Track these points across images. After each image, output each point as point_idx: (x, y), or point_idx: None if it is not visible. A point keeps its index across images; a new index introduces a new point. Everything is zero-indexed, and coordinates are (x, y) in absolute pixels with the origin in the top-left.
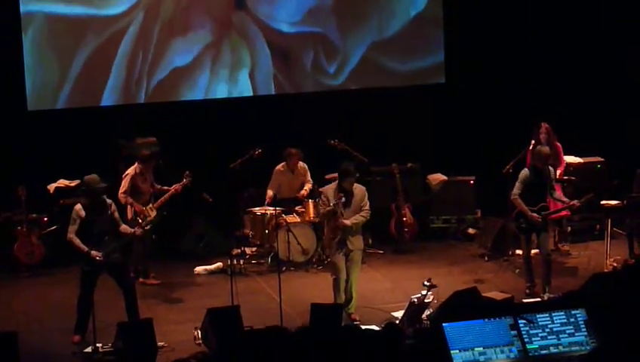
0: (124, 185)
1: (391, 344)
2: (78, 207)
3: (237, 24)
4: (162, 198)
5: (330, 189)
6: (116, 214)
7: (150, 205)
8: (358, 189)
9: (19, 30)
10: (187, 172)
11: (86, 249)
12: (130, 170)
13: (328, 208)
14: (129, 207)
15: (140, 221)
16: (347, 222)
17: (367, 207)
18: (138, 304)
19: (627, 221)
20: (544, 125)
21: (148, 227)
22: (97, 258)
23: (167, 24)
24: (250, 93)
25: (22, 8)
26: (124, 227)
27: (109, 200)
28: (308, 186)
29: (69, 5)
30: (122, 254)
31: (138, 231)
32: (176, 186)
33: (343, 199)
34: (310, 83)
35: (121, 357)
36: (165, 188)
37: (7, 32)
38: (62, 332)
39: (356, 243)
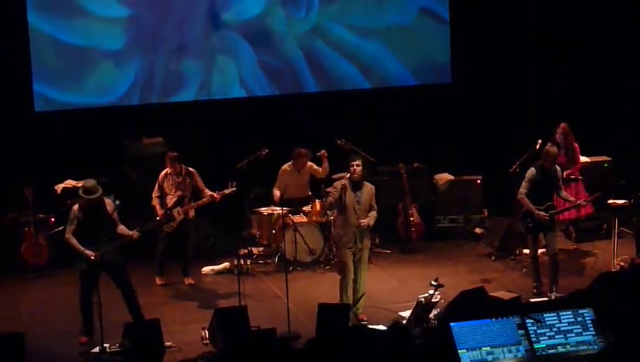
0: (155, 186)
1: (397, 343)
2: (76, 207)
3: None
4: (194, 204)
5: (339, 183)
6: (115, 215)
7: (178, 208)
8: (368, 188)
9: (26, 31)
10: (234, 182)
11: (81, 249)
12: (163, 172)
13: (338, 194)
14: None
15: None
16: (365, 221)
17: (376, 205)
18: (139, 303)
19: (634, 220)
20: (561, 125)
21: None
22: (92, 258)
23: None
24: (256, 94)
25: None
26: (121, 228)
27: (108, 201)
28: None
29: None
30: (120, 255)
31: (135, 234)
32: (215, 195)
33: (347, 180)
34: (318, 83)
35: (129, 357)
36: (210, 193)
37: (14, 33)
38: (68, 333)
39: (366, 242)
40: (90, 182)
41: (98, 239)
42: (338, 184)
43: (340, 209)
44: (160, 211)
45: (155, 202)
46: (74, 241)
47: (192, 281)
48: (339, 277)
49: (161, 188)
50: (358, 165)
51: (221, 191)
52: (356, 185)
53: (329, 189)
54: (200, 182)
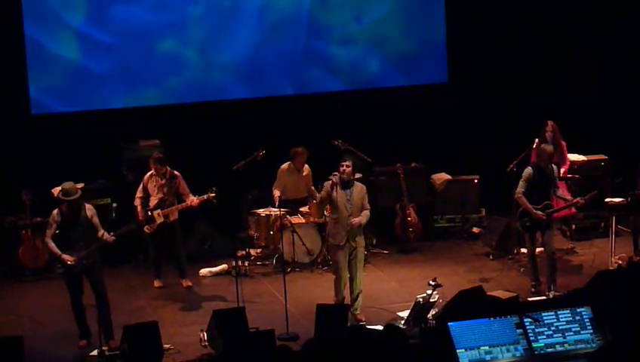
0: (140, 186)
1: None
2: (56, 211)
3: None
4: (174, 207)
5: (329, 183)
6: (95, 219)
7: (158, 210)
8: (359, 187)
9: (22, 34)
10: (214, 188)
11: (59, 253)
12: (148, 173)
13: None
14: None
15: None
16: (357, 220)
17: (368, 205)
18: (110, 311)
19: (631, 218)
20: (550, 123)
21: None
22: (69, 262)
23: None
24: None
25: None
26: (102, 233)
27: (88, 206)
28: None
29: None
30: (97, 258)
31: (110, 238)
32: (194, 200)
33: (337, 175)
34: (314, 84)
35: (127, 360)
36: (191, 198)
37: (10, 35)
38: (67, 336)
39: (360, 240)
40: (69, 184)
41: (75, 243)
42: (328, 183)
43: (332, 206)
44: (141, 212)
45: (137, 202)
46: (52, 245)
47: (189, 283)
48: (334, 275)
49: (145, 188)
50: (347, 165)
51: (200, 196)
52: (346, 185)
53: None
54: (183, 186)
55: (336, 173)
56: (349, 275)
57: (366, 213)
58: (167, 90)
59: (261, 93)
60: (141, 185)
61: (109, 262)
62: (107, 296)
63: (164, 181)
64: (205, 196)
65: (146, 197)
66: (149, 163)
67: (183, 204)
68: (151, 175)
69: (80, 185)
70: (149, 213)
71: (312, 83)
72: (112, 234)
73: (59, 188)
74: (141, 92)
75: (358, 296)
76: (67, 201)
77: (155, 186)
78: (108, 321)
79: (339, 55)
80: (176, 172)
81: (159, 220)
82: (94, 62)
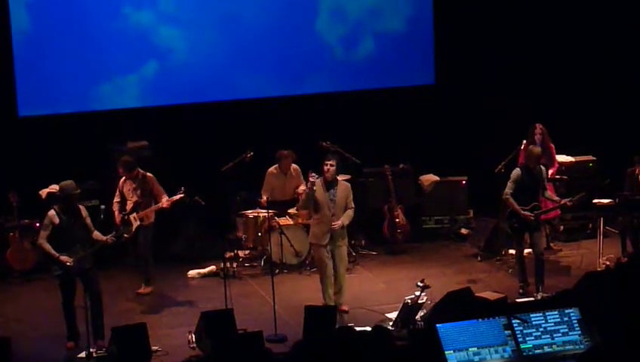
0: (116, 191)
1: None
2: (52, 213)
3: None
4: (147, 210)
5: (310, 182)
6: (88, 220)
7: (134, 214)
8: (343, 186)
9: (9, 36)
10: (182, 188)
11: (56, 254)
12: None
13: (306, 191)
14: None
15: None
16: (339, 223)
17: (352, 203)
18: (103, 313)
19: (619, 219)
20: (538, 126)
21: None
22: (67, 263)
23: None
24: (242, 96)
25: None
26: (96, 234)
27: (81, 206)
28: (302, 187)
29: None
30: (93, 261)
31: (110, 239)
32: (164, 202)
33: (317, 176)
34: (302, 85)
35: (116, 361)
36: (163, 200)
37: None
38: (55, 338)
39: (342, 239)
40: (67, 182)
41: (73, 244)
42: (310, 183)
43: (315, 207)
44: (117, 217)
45: (115, 207)
46: (48, 247)
47: (148, 290)
48: (319, 275)
49: (121, 193)
50: (331, 165)
51: (170, 198)
52: (330, 184)
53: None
54: (157, 188)
55: (313, 173)
56: (333, 272)
57: (348, 213)
58: (155, 92)
59: (249, 95)
60: (117, 190)
61: (98, 264)
62: (102, 298)
63: (136, 184)
64: (175, 197)
65: (123, 201)
66: (138, 164)
67: (155, 205)
68: (125, 179)
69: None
70: (125, 218)
71: (300, 84)
72: (111, 235)
73: (46, 189)
74: (128, 93)
75: (340, 289)
76: (67, 199)
77: (129, 190)
78: (100, 323)
79: (327, 56)
80: (149, 174)
81: (135, 224)
82: (82, 64)
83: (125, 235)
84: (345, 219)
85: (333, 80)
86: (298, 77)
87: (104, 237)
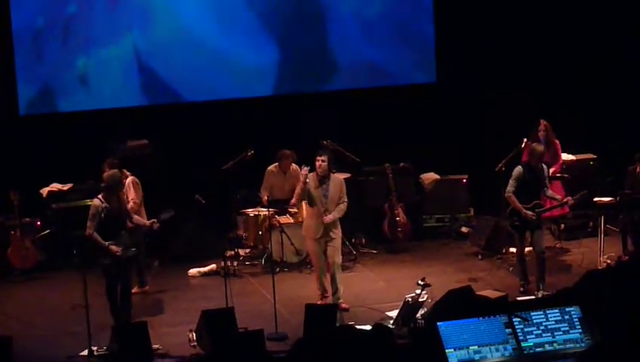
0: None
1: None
2: (97, 202)
3: None
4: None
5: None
6: (128, 206)
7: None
8: (337, 180)
9: (10, 33)
10: (154, 220)
11: (105, 244)
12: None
13: (300, 184)
14: None
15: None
16: (329, 217)
17: (345, 197)
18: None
19: (620, 218)
20: (542, 122)
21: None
22: (117, 253)
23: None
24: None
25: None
26: (137, 218)
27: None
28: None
29: None
30: (136, 249)
31: (155, 225)
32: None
33: (308, 169)
34: (302, 84)
35: (117, 360)
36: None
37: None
38: (56, 336)
39: (335, 231)
40: (112, 171)
41: (119, 233)
42: (303, 177)
43: (309, 201)
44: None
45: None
46: (97, 237)
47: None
48: (312, 268)
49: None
50: (323, 160)
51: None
52: (322, 180)
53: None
54: (129, 191)
55: (305, 167)
56: (326, 264)
57: (340, 208)
58: (155, 90)
59: (250, 93)
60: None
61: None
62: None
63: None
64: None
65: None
66: (138, 163)
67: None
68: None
69: (68, 186)
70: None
71: (302, 83)
72: (154, 221)
73: (47, 188)
74: (129, 92)
75: (337, 288)
76: (113, 188)
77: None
78: (129, 311)
79: (327, 55)
80: (128, 179)
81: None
82: (83, 62)
83: (165, 218)
84: (337, 213)
85: (333, 78)
86: (299, 75)
87: (147, 222)
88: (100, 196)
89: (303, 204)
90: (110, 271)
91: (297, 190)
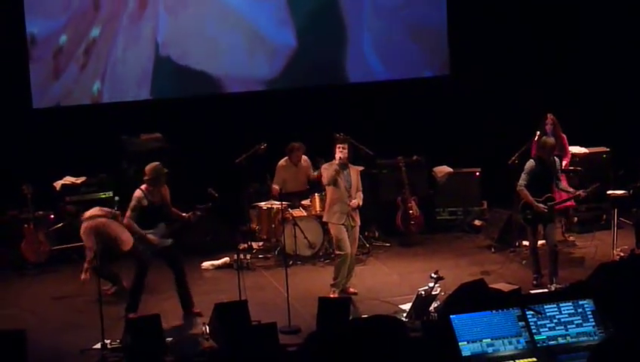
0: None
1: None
2: (139, 193)
3: None
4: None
5: (330, 164)
6: (168, 199)
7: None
8: (355, 169)
9: (23, 27)
10: (198, 212)
11: (143, 233)
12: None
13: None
14: None
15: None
16: (355, 202)
17: (361, 186)
18: (189, 287)
19: (633, 210)
20: (550, 116)
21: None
22: (155, 243)
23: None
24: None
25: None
26: (175, 211)
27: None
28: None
29: None
30: (175, 238)
31: (193, 217)
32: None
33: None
34: (316, 77)
35: (130, 353)
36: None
37: (13, 29)
38: (70, 330)
39: (357, 219)
40: (155, 163)
41: (158, 223)
42: (328, 165)
43: (334, 188)
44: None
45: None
46: (136, 226)
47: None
48: (338, 253)
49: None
50: (344, 148)
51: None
52: (343, 167)
53: (324, 166)
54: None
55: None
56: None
57: (360, 195)
58: (168, 84)
59: (262, 87)
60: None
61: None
62: (186, 276)
63: None
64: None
65: None
66: (151, 157)
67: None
68: None
69: (82, 179)
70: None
71: (313, 76)
72: (194, 212)
73: (61, 181)
74: (141, 85)
75: (351, 271)
76: (157, 180)
77: None
78: (188, 292)
79: (339, 48)
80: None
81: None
82: (96, 56)
83: (200, 213)
84: (359, 199)
85: (346, 72)
86: (312, 69)
87: (185, 214)
88: (142, 187)
89: (316, 196)
90: (142, 261)
91: (331, 173)
